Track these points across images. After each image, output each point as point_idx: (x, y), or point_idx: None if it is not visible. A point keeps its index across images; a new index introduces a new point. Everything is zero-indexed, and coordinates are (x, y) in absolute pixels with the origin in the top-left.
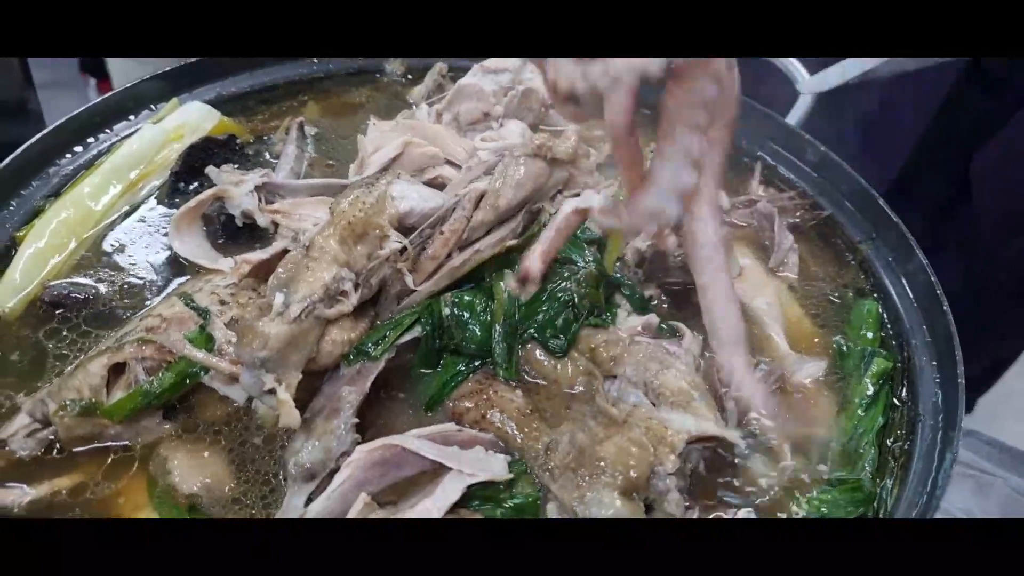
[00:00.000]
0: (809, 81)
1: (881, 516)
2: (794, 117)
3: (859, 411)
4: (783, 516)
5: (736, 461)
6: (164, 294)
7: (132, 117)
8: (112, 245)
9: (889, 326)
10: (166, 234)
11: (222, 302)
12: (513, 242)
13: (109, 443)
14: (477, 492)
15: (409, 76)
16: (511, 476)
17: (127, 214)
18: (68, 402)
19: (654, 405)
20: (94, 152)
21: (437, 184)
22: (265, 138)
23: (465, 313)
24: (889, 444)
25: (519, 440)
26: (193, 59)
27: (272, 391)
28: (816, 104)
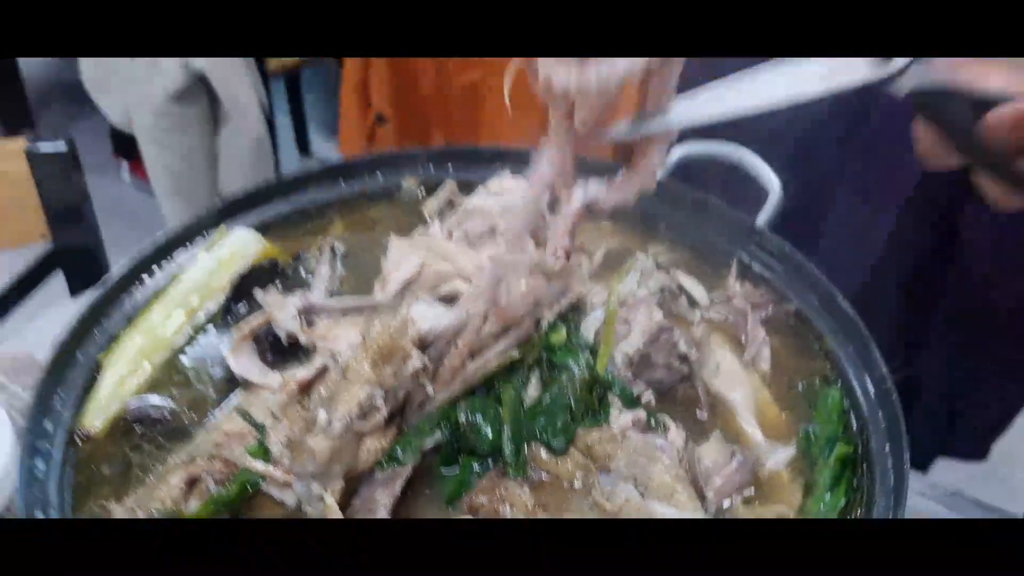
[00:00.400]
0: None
1: None
2: (763, 217)
3: (824, 493)
4: None
5: None
6: (224, 407)
7: (189, 245)
8: (178, 366)
9: (851, 413)
10: (223, 354)
11: (274, 416)
12: (516, 355)
13: None
14: None
15: (423, 191)
16: None
17: (189, 337)
18: (154, 512)
19: (642, 496)
20: (159, 279)
21: (451, 297)
22: (300, 256)
23: (478, 417)
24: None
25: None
26: (240, 193)
27: (321, 498)
28: (784, 206)
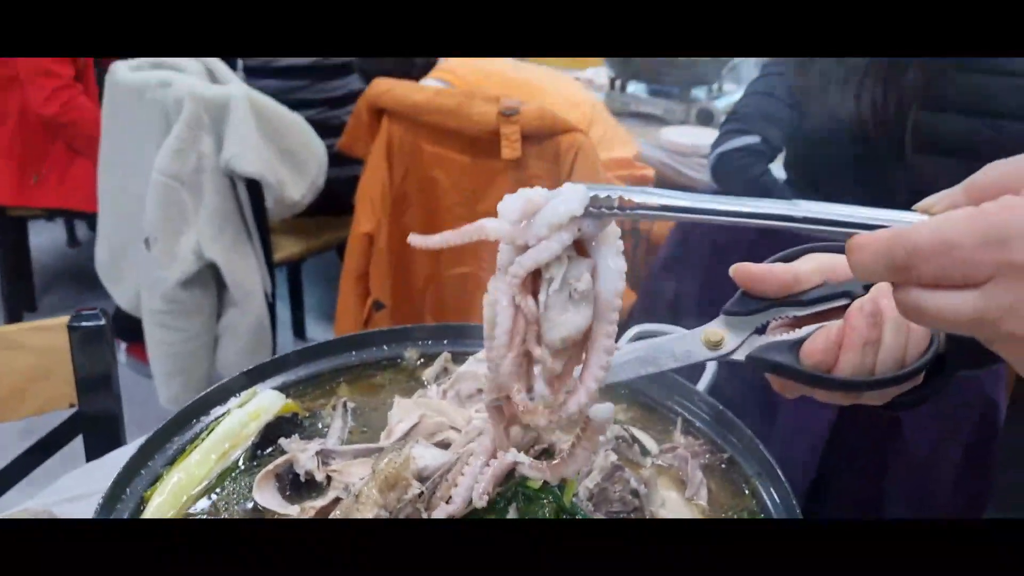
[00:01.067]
0: None
1: None
2: (702, 384)
3: None
4: None
5: None
6: None
7: (223, 403)
8: (211, 499)
9: None
10: (249, 489)
11: None
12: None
13: None
14: None
15: (422, 360)
16: None
17: (220, 475)
18: None
19: None
20: (198, 429)
21: (444, 444)
22: (316, 412)
23: None
24: None
25: None
26: (268, 361)
27: None
28: (718, 374)
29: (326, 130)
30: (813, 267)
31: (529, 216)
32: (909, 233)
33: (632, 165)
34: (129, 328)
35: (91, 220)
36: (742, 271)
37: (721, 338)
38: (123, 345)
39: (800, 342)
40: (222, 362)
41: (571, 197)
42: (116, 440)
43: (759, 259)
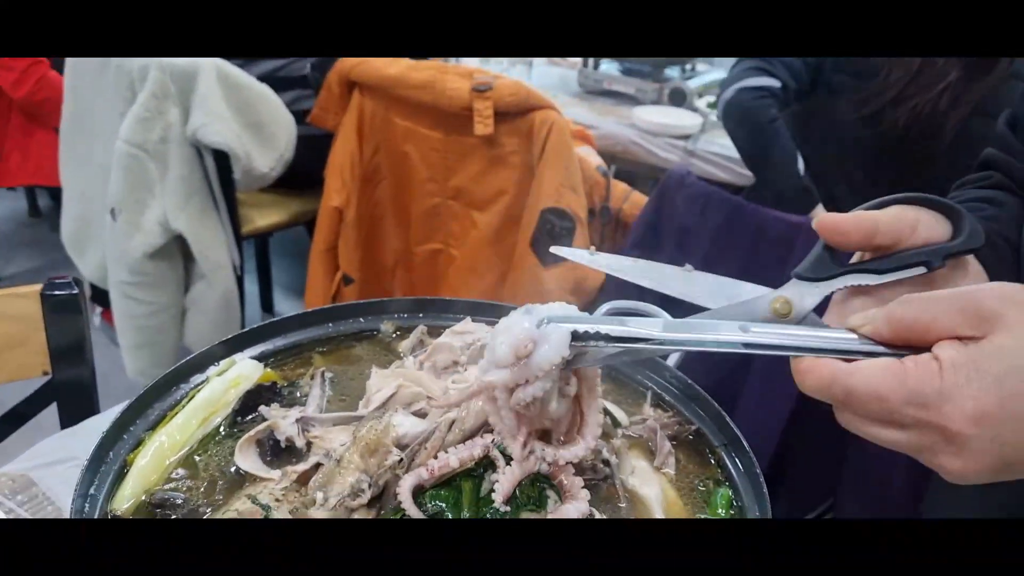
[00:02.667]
0: None
1: None
2: (671, 360)
3: None
4: None
5: None
6: (235, 496)
7: (202, 371)
8: (194, 463)
9: (735, 504)
10: (231, 454)
11: (277, 500)
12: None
13: None
14: None
15: (398, 333)
16: None
17: (202, 441)
18: None
19: None
20: (178, 396)
21: (421, 413)
22: (296, 381)
23: (442, 504)
24: None
25: None
26: (246, 331)
27: None
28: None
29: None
30: (892, 220)
31: (522, 358)
32: (847, 377)
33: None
34: (105, 294)
35: (53, 191)
36: (825, 222)
37: (790, 309)
38: (98, 310)
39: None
40: (190, 336)
41: (558, 345)
42: (90, 408)
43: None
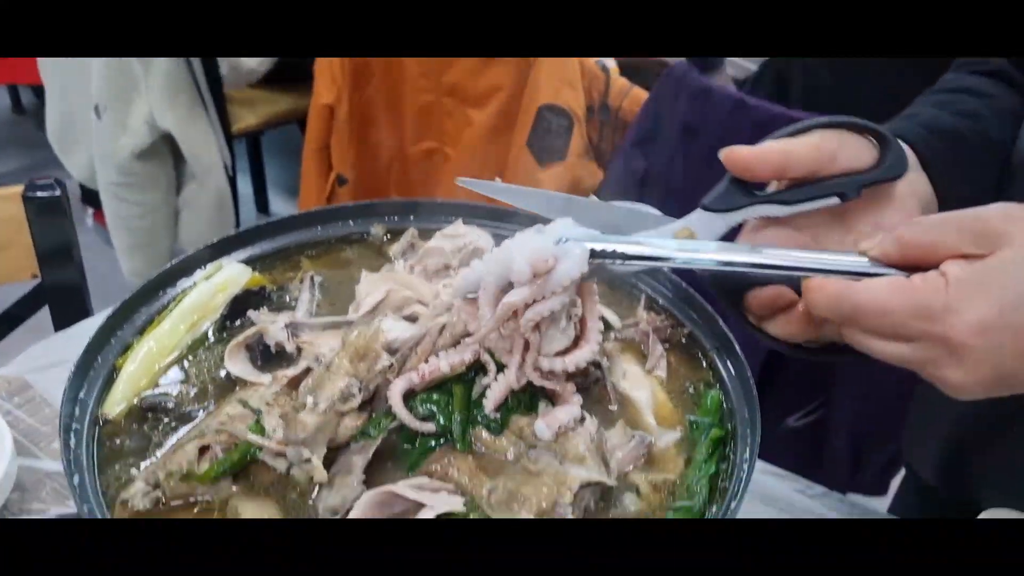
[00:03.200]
0: None
1: None
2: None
3: (700, 463)
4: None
5: (616, 498)
6: (226, 400)
7: (189, 275)
8: (183, 367)
9: (724, 406)
10: (220, 358)
11: (268, 404)
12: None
13: (197, 498)
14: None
15: (388, 236)
16: (465, 510)
17: (191, 345)
18: (173, 471)
19: (560, 463)
20: (165, 300)
21: (412, 317)
22: (285, 285)
23: (433, 408)
24: (719, 484)
25: (470, 487)
26: (232, 233)
27: (308, 460)
28: None
29: None
30: (808, 150)
31: (540, 274)
32: (854, 293)
33: None
34: (95, 194)
35: (36, 87)
36: (732, 155)
37: (692, 238)
38: (90, 211)
39: (752, 284)
40: (184, 237)
41: (579, 262)
42: (83, 311)
43: (731, 141)
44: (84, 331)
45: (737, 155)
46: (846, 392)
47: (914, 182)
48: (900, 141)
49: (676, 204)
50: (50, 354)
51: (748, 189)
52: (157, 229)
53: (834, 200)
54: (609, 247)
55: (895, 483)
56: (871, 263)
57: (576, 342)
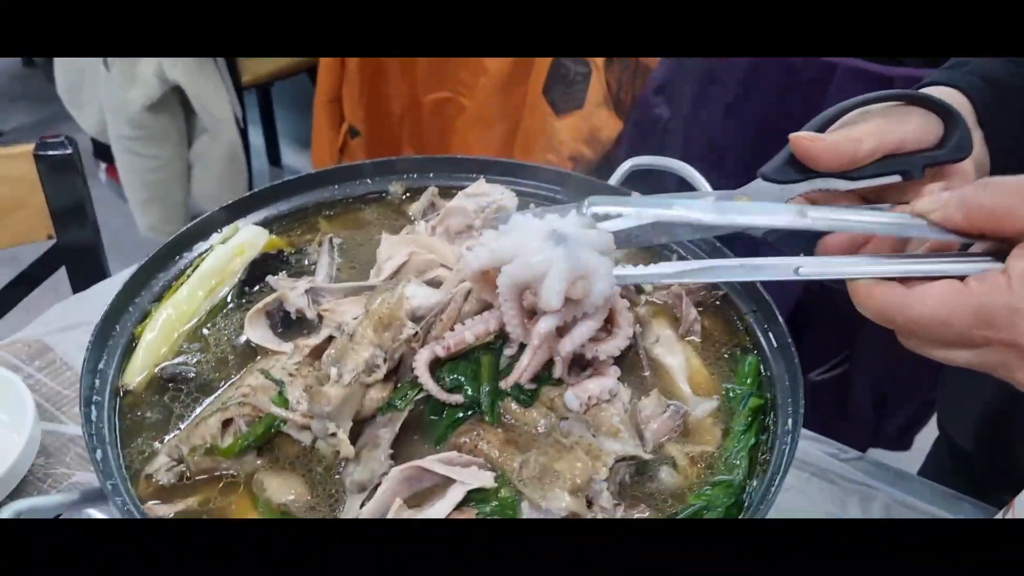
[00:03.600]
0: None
1: (747, 506)
2: None
3: (739, 435)
4: (681, 507)
5: (652, 472)
6: (245, 370)
7: (205, 239)
8: (202, 335)
9: (763, 374)
10: (240, 326)
11: (290, 375)
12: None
13: (222, 472)
14: (473, 495)
15: (407, 194)
16: (496, 485)
17: (210, 312)
18: (196, 446)
19: (593, 436)
20: (181, 265)
21: (435, 282)
22: (303, 248)
23: (461, 378)
24: (759, 457)
25: (500, 461)
26: (248, 195)
27: (334, 434)
28: None
29: None
30: (873, 136)
31: (573, 298)
32: (908, 306)
33: None
34: (108, 148)
35: None
36: (801, 145)
37: None
38: (103, 165)
39: (821, 235)
40: (197, 191)
41: (606, 282)
42: (99, 270)
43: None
44: (102, 292)
45: (805, 145)
46: (871, 346)
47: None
48: (954, 90)
49: (698, 154)
50: (68, 316)
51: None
52: (170, 183)
53: (896, 178)
54: (628, 273)
55: (919, 439)
56: (930, 227)
57: (607, 328)
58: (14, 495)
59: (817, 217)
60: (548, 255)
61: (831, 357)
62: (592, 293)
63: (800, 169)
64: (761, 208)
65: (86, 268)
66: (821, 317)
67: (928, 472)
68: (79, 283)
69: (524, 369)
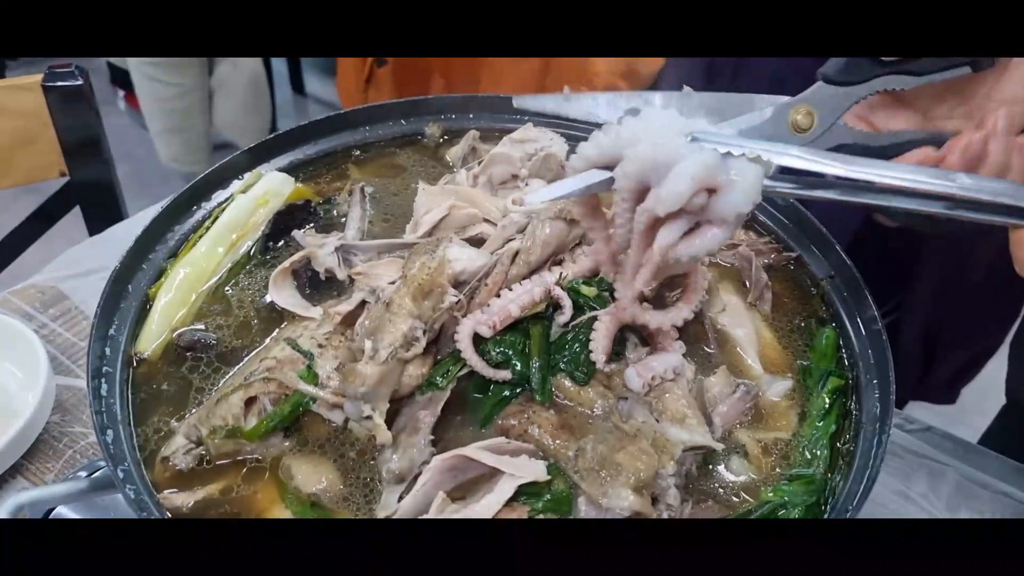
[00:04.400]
0: None
1: (830, 503)
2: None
3: (817, 420)
4: (755, 504)
5: (721, 462)
6: (271, 337)
7: (225, 187)
8: (223, 296)
9: (843, 350)
10: (264, 286)
11: (320, 345)
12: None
13: (246, 456)
14: (524, 489)
15: (445, 137)
16: (549, 477)
17: (231, 270)
18: (217, 427)
19: (657, 421)
20: (199, 217)
21: (478, 239)
22: (332, 198)
23: (508, 352)
24: (840, 446)
25: (553, 449)
26: (271, 135)
27: (369, 417)
28: None
29: None
30: None
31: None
32: None
33: None
34: (127, 76)
35: None
36: None
37: (812, 122)
38: (121, 93)
39: (887, 157)
40: (219, 120)
41: (752, 192)
42: (115, 210)
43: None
44: (119, 235)
45: None
46: (921, 295)
47: None
48: None
49: (746, 85)
50: (85, 261)
51: (874, 58)
52: (192, 111)
53: (965, 69)
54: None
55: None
56: None
57: (674, 292)
58: (29, 456)
59: (968, 182)
60: (685, 145)
61: (881, 304)
62: (723, 198)
63: (865, 67)
64: (898, 166)
65: (102, 208)
66: (872, 260)
67: (993, 443)
68: (95, 225)
69: (638, 279)
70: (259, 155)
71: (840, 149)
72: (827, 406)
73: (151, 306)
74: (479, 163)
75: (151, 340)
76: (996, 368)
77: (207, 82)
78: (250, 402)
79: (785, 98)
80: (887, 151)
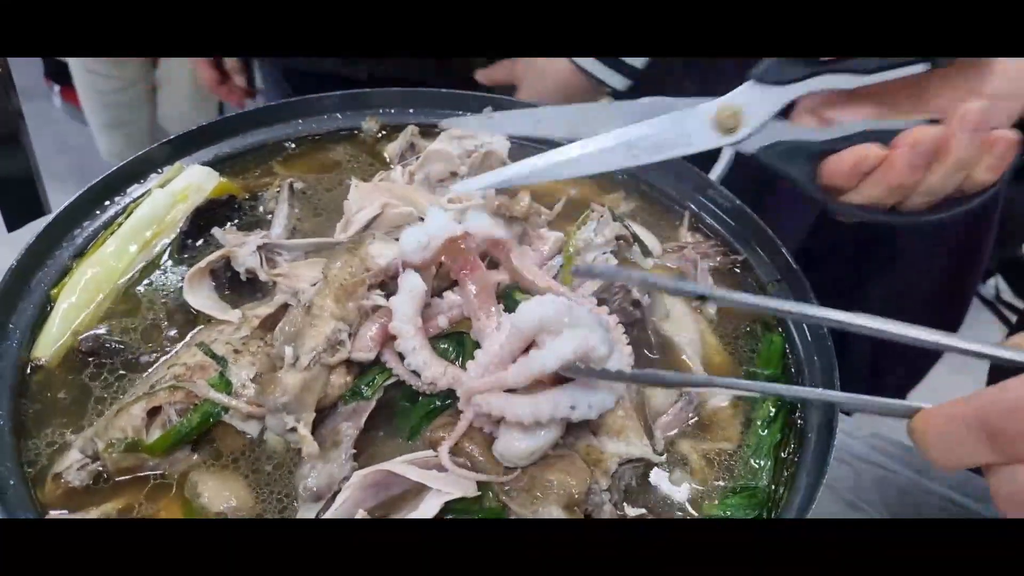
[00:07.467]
0: None
1: (774, 516)
2: (715, 173)
3: (761, 430)
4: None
5: (662, 476)
6: (183, 342)
7: (142, 181)
8: (133, 297)
9: (789, 356)
10: (180, 287)
11: (236, 351)
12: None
13: (148, 472)
14: (453, 506)
15: (383, 132)
16: (479, 493)
17: (144, 270)
18: (115, 440)
19: (594, 435)
20: (111, 213)
21: None
22: (259, 194)
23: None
24: (784, 456)
25: (484, 463)
26: (195, 128)
27: (293, 429)
28: (734, 162)
29: None
30: None
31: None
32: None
33: None
34: (64, 69)
35: None
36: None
37: (738, 121)
38: (56, 88)
39: (824, 153)
40: (164, 115)
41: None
42: (37, 206)
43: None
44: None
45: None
46: (869, 301)
47: None
48: None
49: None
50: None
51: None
52: (135, 105)
53: (925, 66)
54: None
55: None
56: None
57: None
58: None
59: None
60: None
61: (832, 307)
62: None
63: (801, 66)
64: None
65: (21, 204)
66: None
67: None
68: (13, 220)
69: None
70: (181, 147)
71: (777, 146)
72: (772, 415)
73: (52, 308)
74: (417, 159)
75: (49, 345)
76: (940, 374)
77: (151, 75)
78: (154, 412)
79: (711, 100)
80: (826, 146)
